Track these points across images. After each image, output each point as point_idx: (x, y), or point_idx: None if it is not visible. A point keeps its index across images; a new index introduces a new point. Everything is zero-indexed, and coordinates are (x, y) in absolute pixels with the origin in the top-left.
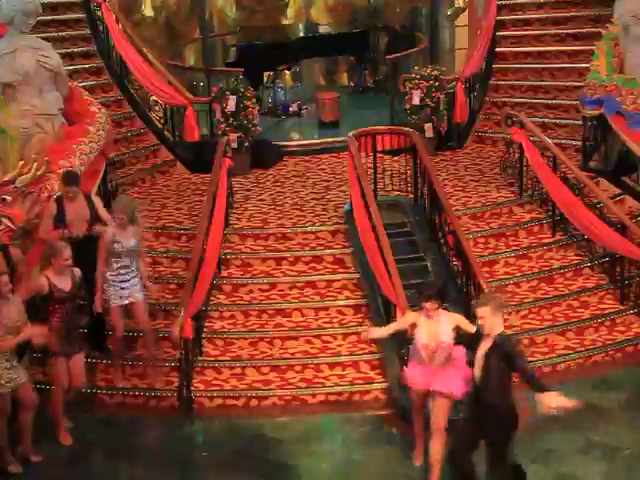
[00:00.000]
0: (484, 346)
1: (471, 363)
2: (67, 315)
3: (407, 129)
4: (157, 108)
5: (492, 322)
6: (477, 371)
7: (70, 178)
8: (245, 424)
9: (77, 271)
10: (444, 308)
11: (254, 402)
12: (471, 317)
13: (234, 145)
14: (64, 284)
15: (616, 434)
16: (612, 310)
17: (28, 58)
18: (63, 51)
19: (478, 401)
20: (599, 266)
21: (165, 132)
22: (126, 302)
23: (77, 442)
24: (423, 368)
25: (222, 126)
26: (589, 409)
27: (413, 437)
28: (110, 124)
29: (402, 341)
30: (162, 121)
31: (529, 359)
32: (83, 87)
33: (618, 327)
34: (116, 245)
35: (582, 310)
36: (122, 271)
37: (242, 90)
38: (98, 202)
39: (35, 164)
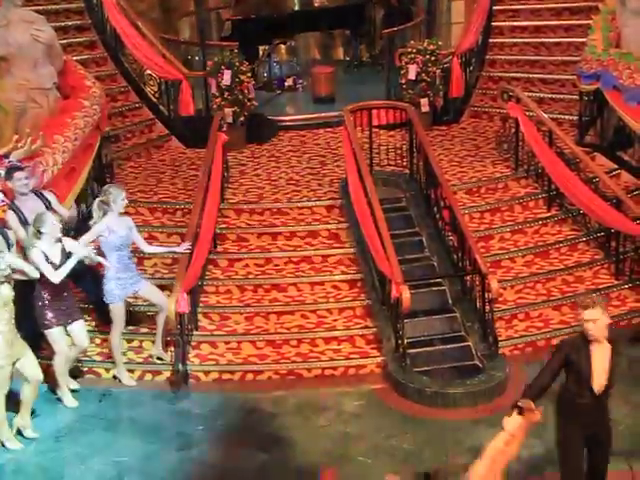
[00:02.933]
0: (602, 353)
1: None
2: (56, 287)
3: (403, 104)
4: (152, 82)
5: (603, 324)
6: (599, 381)
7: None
8: (241, 398)
9: (67, 240)
10: None
11: (250, 376)
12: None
13: (229, 120)
14: (55, 255)
15: (609, 408)
16: (607, 285)
17: (21, 32)
18: (57, 24)
19: (596, 414)
20: (594, 241)
21: (160, 106)
22: (131, 292)
23: (74, 416)
24: None
25: (217, 100)
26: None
27: (407, 410)
28: (105, 98)
29: (396, 316)
30: (157, 95)
31: (524, 333)
32: (77, 61)
33: (613, 301)
34: (113, 236)
35: (577, 285)
36: (123, 265)
37: (237, 64)
38: (53, 198)
39: (30, 138)
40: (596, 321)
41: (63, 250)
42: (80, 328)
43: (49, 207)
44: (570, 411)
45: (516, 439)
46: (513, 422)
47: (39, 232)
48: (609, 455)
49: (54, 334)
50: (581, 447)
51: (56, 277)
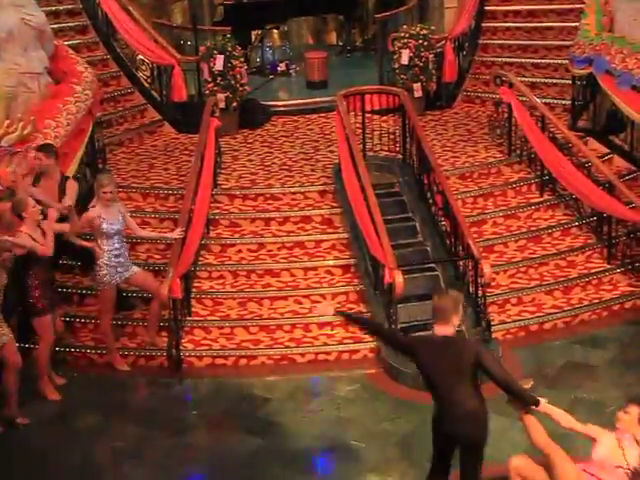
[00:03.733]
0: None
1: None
2: (45, 271)
3: (396, 89)
4: (144, 67)
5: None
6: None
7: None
8: (234, 383)
9: (44, 223)
10: None
11: (243, 361)
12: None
13: (222, 105)
14: (38, 238)
15: (602, 391)
16: (599, 269)
17: (12, 16)
18: (48, 9)
19: None
20: (586, 225)
21: (152, 92)
22: (122, 278)
23: (67, 401)
24: None
25: (210, 86)
26: (576, 367)
27: (400, 395)
28: (97, 83)
29: (390, 301)
30: (149, 80)
31: (516, 318)
32: (69, 46)
33: (605, 286)
34: (105, 226)
35: (569, 269)
36: (115, 252)
37: (230, 49)
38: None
39: (21, 123)
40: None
41: (43, 232)
42: (58, 315)
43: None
44: None
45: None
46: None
47: (19, 216)
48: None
49: (45, 321)
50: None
51: (47, 250)
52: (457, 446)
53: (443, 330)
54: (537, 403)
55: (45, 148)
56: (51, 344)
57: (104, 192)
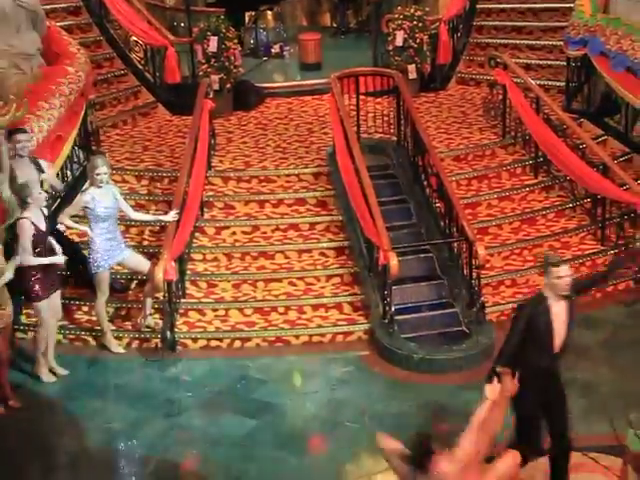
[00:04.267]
0: (560, 310)
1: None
2: (45, 255)
3: (390, 70)
4: (137, 49)
5: (570, 280)
6: (559, 339)
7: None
8: (229, 365)
9: (45, 210)
10: None
11: (237, 343)
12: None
13: (216, 87)
14: (41, 223)
15: (595, 372)
16: (593, 250)
17: None
18: None
19: (551, 378)
20: (580, 207)
21: (146, 73)
22: (115, 260)
23: (62, 384)
24: None
25: (203, 67)
26: (569, 347)
27: (395, 376)
28: (90, 65)
29: (384, 283)
30: (142, 62)
31: (511, 300)
32: (61, 27)
33: (599, 267)
34: (99, 209)
35: (563, 251)
36: (109, 235)
37: (224, 31)
38: (46, 166)
39: (14, 105)
40: (567, 277)
41: (47, 218)
42: (57, 298)
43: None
44: (527, 377)
45: (499, 406)
46: (493, 389)
47: (24, 202)
48: (568, 418)
49: (42, 306)
50: (539, 414)
51: (29, 261)
52: None
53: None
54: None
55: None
56: (50, 328)
57: (97, 174)
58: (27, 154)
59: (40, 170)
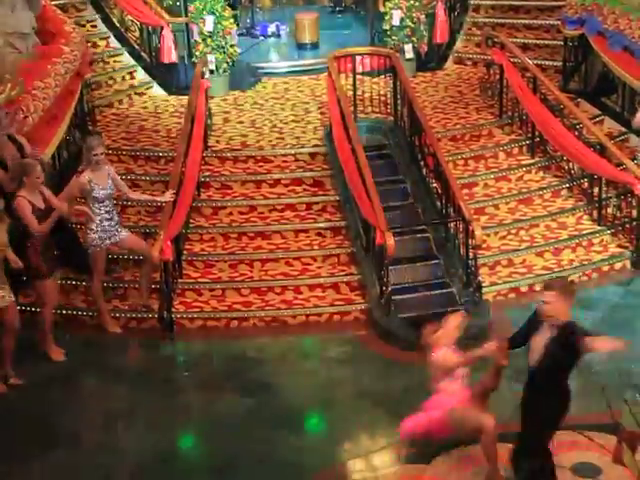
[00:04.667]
0: (543, 334)
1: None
2: (44, 236)
3: (387, 50)
4: (133, 28)
5: (558, 308)
6: (534, 356)
7: None
8: (226, 345)
9: (45, 189)
10: None
11: (234, 323)
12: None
13: (212, 66)
14: (39, 202)
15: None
16: (589, 230)
17: None
18: None
19: (530, 387)
20: (577, 187)
21: (142, 53)
22: (112, 241)
23: (59, 364)
24: None
25: (200, 47)
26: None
27: (391, 356)
28: (85, 44)
29: (381, 263)
30: (138, 42)
31: (507, 279)
32: (56, 6)
33: (595, 247)
34: (96, 190)
35: (560, 231)
36: (106, 216)
37: (219, 10)
38: (25, 142)
39: (9, 84)
40: (550, 303)
41: (44, 197)
42: (54, 282)
43: (22, 152)
44: None
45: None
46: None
47: (21, 181)
48: (522, 441)
49: (47, 284)
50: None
51: (39, 229)
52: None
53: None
54: None
55: None
56: (54, 307)
57: (95, 154)
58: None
59: (20, 149)
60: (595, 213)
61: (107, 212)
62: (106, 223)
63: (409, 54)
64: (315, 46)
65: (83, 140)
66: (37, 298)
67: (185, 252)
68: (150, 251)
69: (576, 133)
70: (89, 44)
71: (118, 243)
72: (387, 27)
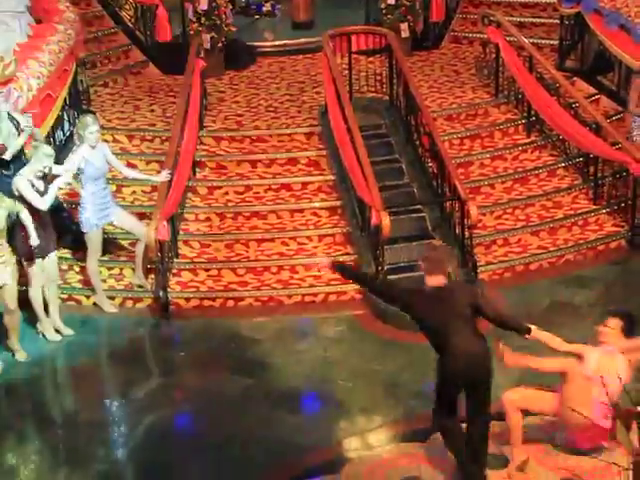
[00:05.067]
0: None
1: None
2: (43, 216)
3: (382, 29)
4: (127, 7)
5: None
6: None
7: None
8: (222, 324)
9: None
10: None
11: (230, 303)
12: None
13: (207, 46)
14: (38, 183)
15: (585, 330)
16: (585, 210)
17: None
18: None
19: None
20: (573, 166)
21: (136, 32)
22: (108, 221)
23: (56, 343)
24: None
25: (194, 26)
26: (561, 306)
27: (387, 336)
28: (79, 23)
29: (376, 242)
30: (133, 20)
31: (503, 259)
32: None
33: (590, 226)
34: (90, 168)
35: (555, 210)
36: (99, 194)
37: None
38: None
39: (3, 63)
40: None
41: (45, 179)
42: (54, 261)
43: (18, 129)
44: None
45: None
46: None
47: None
48: None
49: (39, 264)
50: None
51: (43, 204)
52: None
53: (435, 281)
54: (530, 331)
55: None
56: (56, 286)
57: (91, 132)
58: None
59: (17, 125)
60: (591, 192)
61: (100, 190)
62: (99, 202)
63: (405, 33)
64: (310, 25)
65: (78, 118)
66: (26, 279)
67: (181, 232)
68: (145, 231)
69: (572, 112)
70: (83, 22)
71: (114, 222)
72: (383, 6)
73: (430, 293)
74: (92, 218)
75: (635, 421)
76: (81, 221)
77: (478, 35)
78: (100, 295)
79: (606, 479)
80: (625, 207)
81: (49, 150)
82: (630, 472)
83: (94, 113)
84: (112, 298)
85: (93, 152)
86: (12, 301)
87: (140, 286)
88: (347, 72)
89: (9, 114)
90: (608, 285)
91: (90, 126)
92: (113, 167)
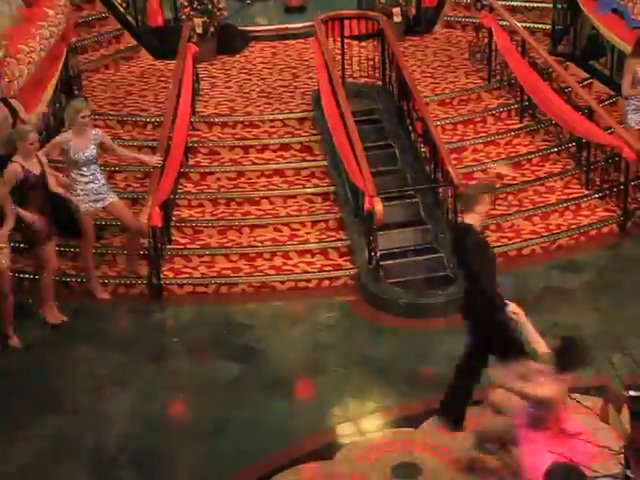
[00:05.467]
0: None
1: None
2: (41, 201)
3: (375, 13)
4: None
5: None
6: None
7: None
8: (215, 311)
9: (40, 155)
10: None
11: (224, 289)
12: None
13: (199, 30)
14: (34, 168)
15: (578, 315)
16: (577, 195)
17: None
18: None
19: None
20: (565, 151)
21: (128, 16)
22: (99, 207)
23: (49, 329)
24: None
25: (186, 10)
26: (554, 291)
27: (380, 321)
28: (70, 7)
29: (369, 228)
30: (124, 5)
31: (495, 244)
32: None
33: (583, 211)
34: (73, 153)
35: (548, 195)
36: (87, 180)
37: None
38: (19, 106)
39: None
40: None
41: (39, 162)
42: (53, 246)
43: (15, 117)
44: None
45: None
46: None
47: (14, 146)
48: None
49: (47, 250)
50: None
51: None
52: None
53: (470, 219)
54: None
55: None
56: (55, 272)
57: (82, 117)
58: None
59: (13, 112)
60: (583, 177)
61: (89, 176)
62: (89, 187)
63: (397, 18)
64: (303, 9)
65: (68, 103)
66: (37, 264)
67: (173, 218)
68: (135, 220)
69: (565, 97)
70: (74, 7)
71: (106, 207)
72: None
73: (457, 229)
74: (83, 204)
75: (626, 404)
76: (74, 207)
77: (471, 20)
78: (93, 281)
79: (598, 461)
80: (617, 192)
81: (35, 135)
82: (622, 455)
83: (85, 98)
84: (105, 284)
85: (81, 137)
86: (5, 286)
87: (133, 272)
88: (340, 57)
89: (5, 100)
90: (601, 270)
91: (81, 110)
92: (110, 152)
